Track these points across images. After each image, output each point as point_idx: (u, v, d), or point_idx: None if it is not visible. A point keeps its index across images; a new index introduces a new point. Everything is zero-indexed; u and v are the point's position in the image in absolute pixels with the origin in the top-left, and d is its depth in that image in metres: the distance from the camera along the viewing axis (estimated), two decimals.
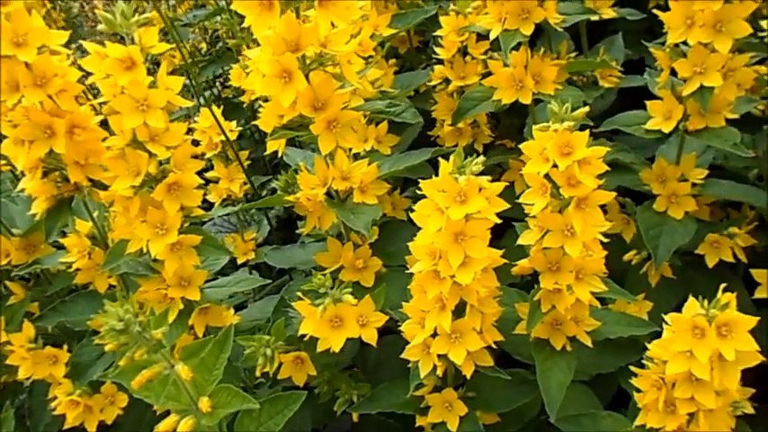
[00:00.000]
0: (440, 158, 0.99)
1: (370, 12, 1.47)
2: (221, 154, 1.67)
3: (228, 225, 2.11)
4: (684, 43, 1.09)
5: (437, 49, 1.46)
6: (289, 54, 1.01)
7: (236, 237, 1.77)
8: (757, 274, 1.23)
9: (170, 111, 1.08)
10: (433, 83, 1.50)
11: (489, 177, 0.97)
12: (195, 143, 1.69)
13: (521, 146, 1.00)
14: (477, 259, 0.99)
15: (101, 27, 1.00)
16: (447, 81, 1.48)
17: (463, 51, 1.47)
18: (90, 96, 1.14)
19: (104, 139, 1.10)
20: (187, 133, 1.12)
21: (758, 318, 0.86)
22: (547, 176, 0.99)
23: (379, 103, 1.18)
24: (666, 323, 0.92)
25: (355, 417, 1.30)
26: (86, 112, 1.10)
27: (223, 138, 1.62)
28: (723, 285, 0.92)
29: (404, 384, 1.17)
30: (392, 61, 1.66)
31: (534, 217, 1.03)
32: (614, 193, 1.00)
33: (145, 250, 1.11)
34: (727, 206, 1.47)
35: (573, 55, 1.73)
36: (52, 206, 1.15)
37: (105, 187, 1.12)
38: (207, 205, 1.83)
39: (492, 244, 1.01)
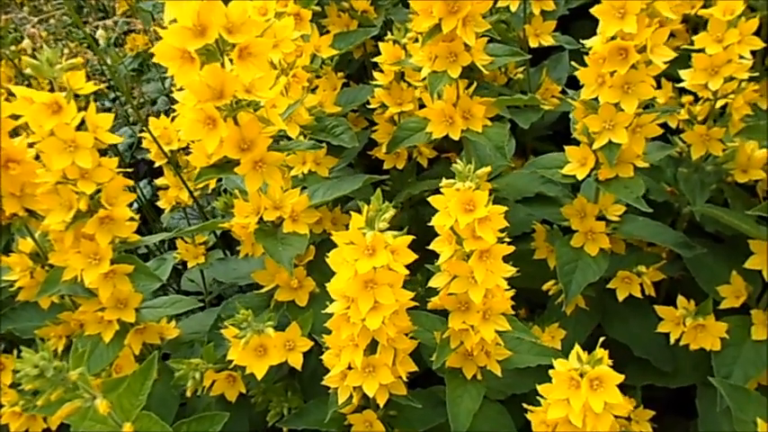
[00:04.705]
0: (352, 212, 1.04)
1: (311, 33, 1.49)
2: (172, 161, 1.71)
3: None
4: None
5: (376, 74, 1.50)
6: (210, 103, 1.05)
7: (188, 240, 1.82)
8: (661, 310, 1.31)
9: (99, 148, 1.12)
10: (372, 106, 1.54)
11: (396, 233, 1.03)
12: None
13: (429, 199, 1.06)
14: (386, 305, 1.05)
15: (27, 71, 1.03)
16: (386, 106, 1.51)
17: (402, 75, 1.50)
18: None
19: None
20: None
21: (623, 375, 0.94)
22: (453, 228, 1.05)
23: (304, 144, 1.22)
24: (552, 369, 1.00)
25: (285, 430, 1.38)
26: (21, 146, 1.13)
27: (173, 147, 1.66)
28: (602, 339, 0.99)
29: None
30: (340, 74, 1.69)
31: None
32: (512, 248, 1.06)
33: (79, 279, 1.17)
34: None
35: (521, 69, 1.77)
36: None
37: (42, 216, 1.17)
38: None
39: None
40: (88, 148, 1.08)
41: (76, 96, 1.08)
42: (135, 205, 2.14)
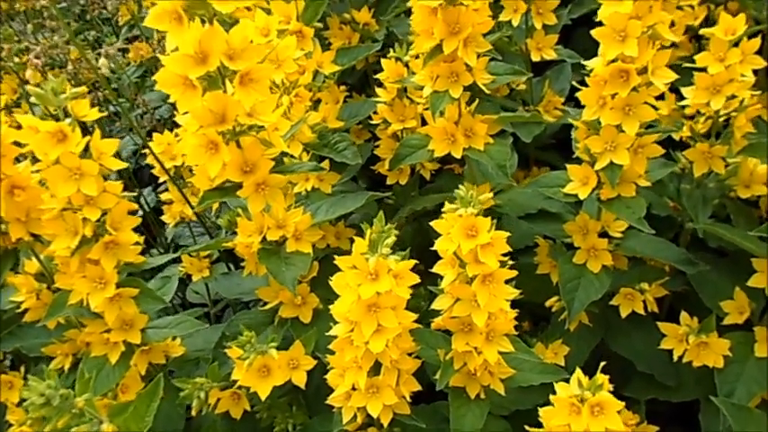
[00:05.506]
0: (355, 230, 1.05)
1: (314, 49, 1.50)
2: (176, 176, 1.72)
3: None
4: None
5: (378, 91, 1.50)
6: (212, 128, 1.06)
7: (192, 254, 1.83)
8: (664, 327, 1.31)
9: (105, 174, 1.13)
10: (374, 122, 1.54)
11: (399, 257, 1.03)
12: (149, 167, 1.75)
13: (432, 224, 1.06)
14: (389, 328, 1.06)
15: (33, 99, 1.04)
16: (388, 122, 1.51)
17: (404, 90, 1.50)
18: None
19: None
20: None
21: (623, 402, 0.94)
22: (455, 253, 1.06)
23: (306, 165, 1.23)
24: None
25: None
26: (26, 172, 1.14)
27: (177, 162, 1.66)
28: (603, 364, 0.99)
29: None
30: (342, 87, 1.69)
31: None
32: (515, 272, 1.07)
33: (85, 303, 1.18)
34: None
35: (523, 80, 1.77)
36: None
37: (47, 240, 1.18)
38: None
39: None
40: (93, 175, 1.09)
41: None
42: (139, 212, 2.16)
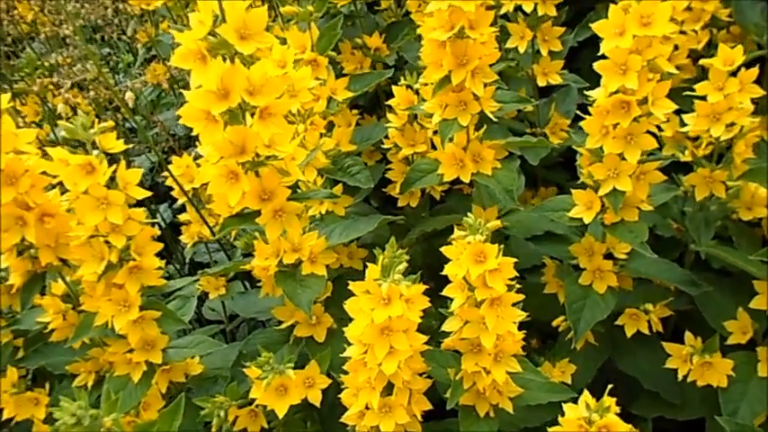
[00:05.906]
0: (368, 251, 1.10)
1: (328, 76, 1.55)
2: (193, 198, 1.77)
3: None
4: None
5: (389, 116, 1.55)
6: (233, 159, 1.11)
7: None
8: (668, 347, 1.35)
9: (130, 203, 1.19)
10: (386, 146, 1.59)
11: (410, 282, 1.08)
12: (169, 189, 1.81)
13: (442, 250, 1.11)
14: (401, 351, 1.11)
15: (62, 134, 1.10)
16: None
17: (415, 116, 1.55)
18: None
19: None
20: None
21: (630, 425, 0.98)
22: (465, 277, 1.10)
23: (322, 193, 1.28)
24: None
25: None
26: (55, 200, 1.20)
27: (195, 184, 1.72)
28: (610, 386, 1.03)
29: None
30: (354, 111, 1.75)
31: None
32: (522, 296, 1.11)
33: (110, 325, 1.23)
34: None
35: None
36: (27, 280, 1.26)
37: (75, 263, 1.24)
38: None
39: None
40: (119, 204, 1.14)
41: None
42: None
